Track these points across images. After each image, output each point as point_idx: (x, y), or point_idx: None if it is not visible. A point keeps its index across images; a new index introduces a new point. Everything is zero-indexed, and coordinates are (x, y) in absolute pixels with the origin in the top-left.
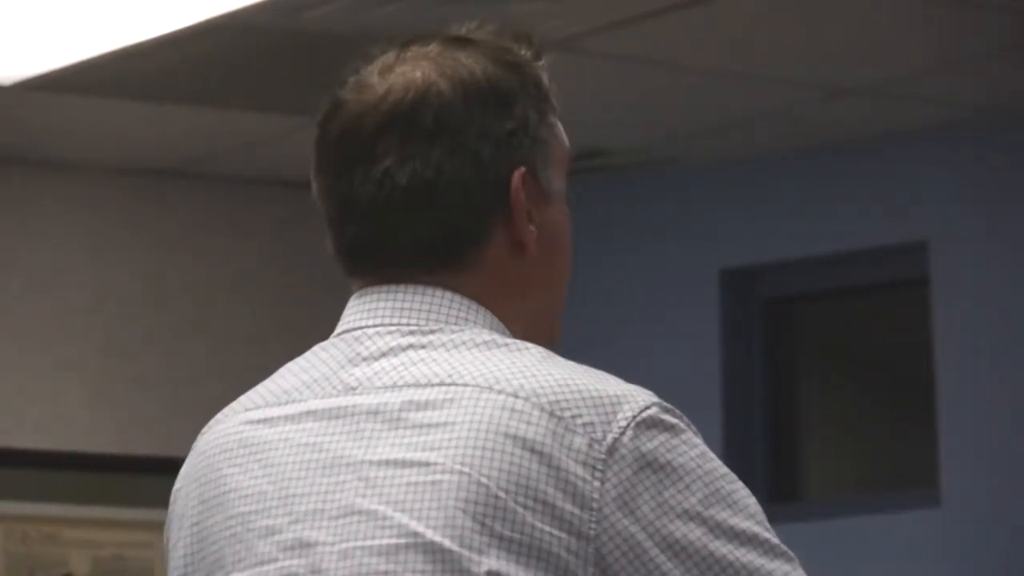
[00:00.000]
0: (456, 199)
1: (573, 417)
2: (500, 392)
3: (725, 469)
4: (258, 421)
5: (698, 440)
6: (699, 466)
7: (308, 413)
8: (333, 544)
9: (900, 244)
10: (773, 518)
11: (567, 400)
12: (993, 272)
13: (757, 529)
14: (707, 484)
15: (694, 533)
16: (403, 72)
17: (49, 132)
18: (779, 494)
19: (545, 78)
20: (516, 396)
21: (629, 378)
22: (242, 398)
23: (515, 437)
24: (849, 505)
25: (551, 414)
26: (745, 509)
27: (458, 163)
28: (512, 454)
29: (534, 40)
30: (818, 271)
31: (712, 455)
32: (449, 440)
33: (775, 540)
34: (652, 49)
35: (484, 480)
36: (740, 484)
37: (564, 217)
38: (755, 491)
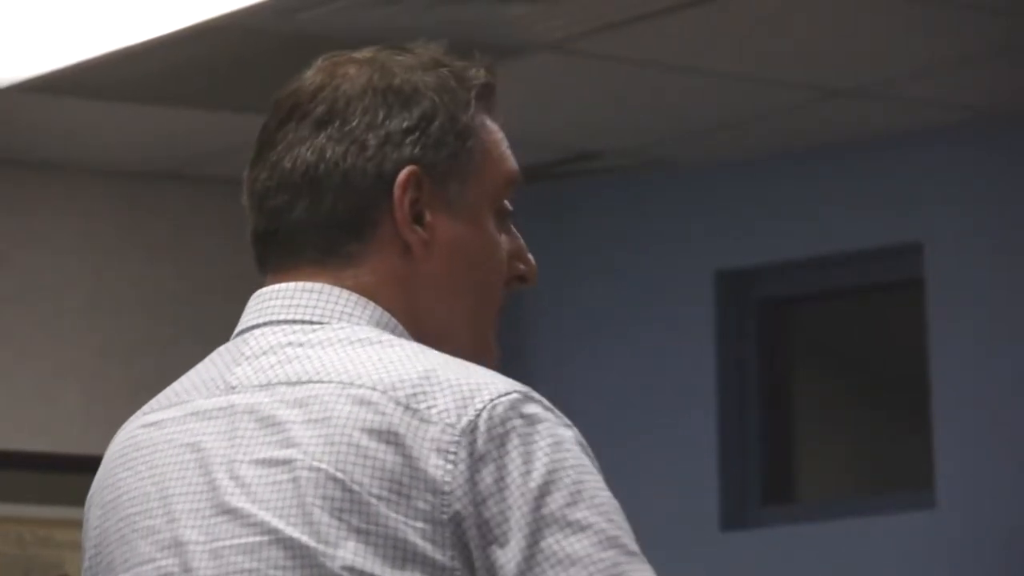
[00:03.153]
0: (335, 186)
1: (428, 408)
2: (360, 387)
3: (581, 461)
4: (150, 424)
5: (561, 431)
6: (548, 455)
7: (192, 414)
8: (205, 543)
9: (895, 245)
10: (768, 519)
11: (424, 391)
12: (988, 274)
13: (595, 519)
14: (552, 472)
15: (528, 518)
16: (327, 68)
17: (44, 134)
18: (774, 495)
19: (473, 95)
20: (374, 390)
21: (625, 378)
22: (146, 404)
23: (370, 431)
24: (844, 507)
25: (407, 407)
26: (590, 500)
27: (341, 150)
28: (368, 447)
29: (483, 61)
30: (813, 272)
31: (572, 447)
32: (310, 437)
33: (615, 532)
34: (648, 51)
35: (340, 475)
36: (594, 477)
37: (484, 237)
38: (750, 492)
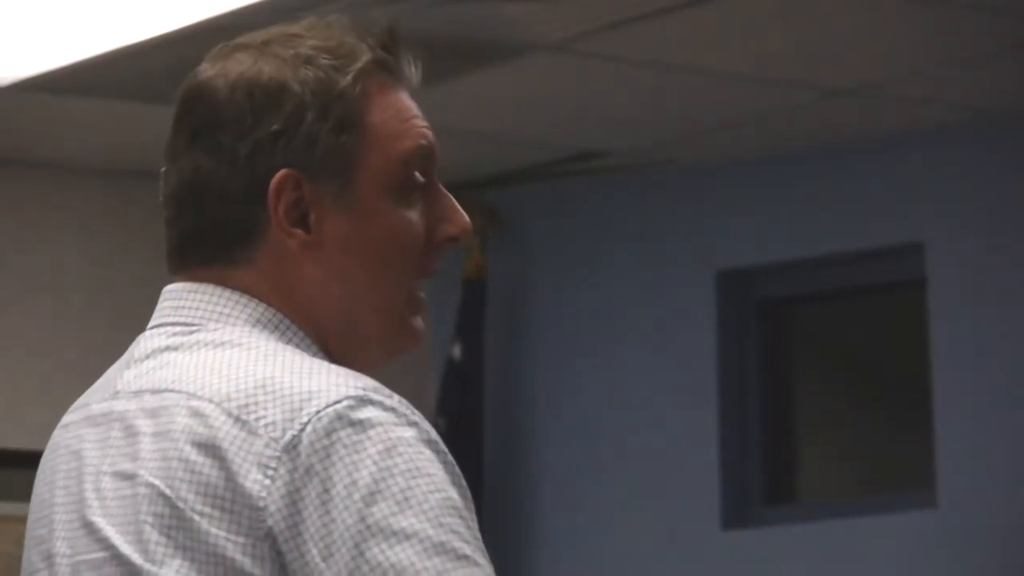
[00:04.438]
0: (214, 199)
1: (257, 419)
2: (200, 399)
3: (415, 464)
4: (63, 425)
5: (398, 434)
6: (375, 463)
7: (86, 419)
8: (70, 557)
9: (897, 245)
10: (769, 519)
11: (257, 402)
12: (989, 273)
13: (422, 526)
14: (378, 481)
15: (349, 531)
16: (210, 64)
17: (45, 133)
18: (775, 495)
19: (351, 78)
20: (211, 402)
21: (626, 378)
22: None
23: (199, 445)
24: (845, 507)
25: (236, 419)
26: (418, 506)
27: (213, 163)
28: (195, 463)
29: (380, 27)
30: (814, 272)
31: (406, 449)
32: (151, 452)
33: (444, 537)
34: (648, 51)
35: (168, 492)
36: (428, 480)
37: (386, 222)
38: (751, 492)
